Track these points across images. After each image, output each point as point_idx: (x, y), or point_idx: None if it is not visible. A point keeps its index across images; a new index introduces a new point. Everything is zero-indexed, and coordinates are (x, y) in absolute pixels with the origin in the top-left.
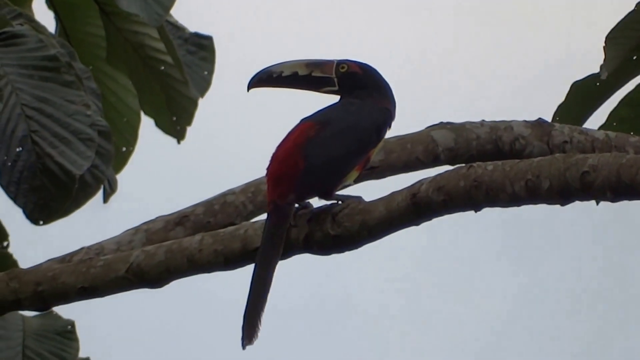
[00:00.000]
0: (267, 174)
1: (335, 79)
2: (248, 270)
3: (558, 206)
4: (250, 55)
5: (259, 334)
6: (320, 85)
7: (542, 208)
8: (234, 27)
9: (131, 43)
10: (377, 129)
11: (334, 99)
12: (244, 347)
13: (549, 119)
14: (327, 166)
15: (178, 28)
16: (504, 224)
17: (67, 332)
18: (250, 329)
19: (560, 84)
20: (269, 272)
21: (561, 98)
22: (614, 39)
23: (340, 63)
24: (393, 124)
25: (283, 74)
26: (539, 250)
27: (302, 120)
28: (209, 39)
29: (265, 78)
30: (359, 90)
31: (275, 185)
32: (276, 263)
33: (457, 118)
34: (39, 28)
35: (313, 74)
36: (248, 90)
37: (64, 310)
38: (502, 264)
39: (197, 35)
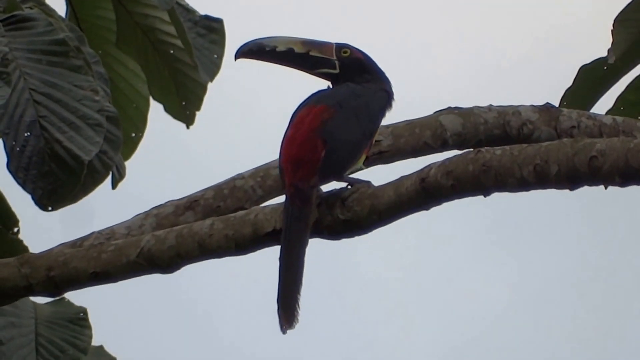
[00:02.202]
0: (284, 158)
1: (337, 62)
2: (258, 255)
3: (554, 193)
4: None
5: (299, 318)
6: (317, 66)
7: (537, 194)
8: (245, 9)
9: (141, 27)
10: (383, 111)
11: (320, 80)
12: (284, 332)
13: (556, 103)
14: (346, 148)
15: (188, 11)
16: (499, 212)
17: (79, 319)
18: (289, 314)
19: (569, 68)
20: (300, 256)
21: (569, 82)
22: (622, 21)
23: (342, 47)
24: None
25: (277, 49)
26: (535, 237)
27: (305, 104)
28: (219, 21)
29: (256, 50)
30: (359, 75)
31: (296, 168)
32: (306, 246)
33: (465, 103)
34: (48, 11)
35: (311, 53)
36: (235, 59)
37: (76, 297)
38: (498, 252)
39: (207, 17)
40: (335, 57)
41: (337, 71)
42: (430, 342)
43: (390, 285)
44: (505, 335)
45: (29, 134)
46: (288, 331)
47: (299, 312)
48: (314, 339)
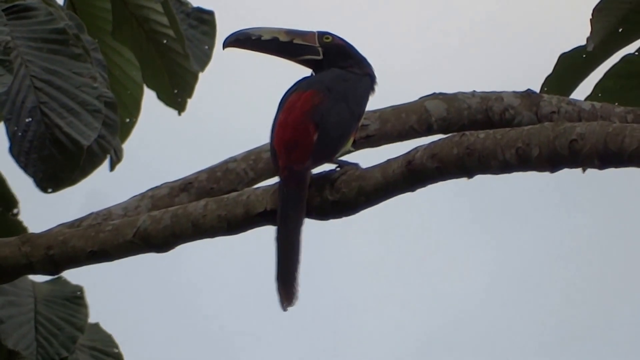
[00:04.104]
0: (277, 142)
1: (320, 49)
2: (250, 235)
3: (534, 175)
4: None
5: (298, 296)
6: (301, 53)
7: (518, 176)
8: (236, 2)
9: (136, 17)
10: (368, 94)
11: (303, 68)
12: (284, 309)
13: (537, 89)
14: (337, 130)
15: (181, 3)
16: (479, 193)
17: (76, 298)
18: (289, 291)
19: (549, 56)
20: (298, 235)
21: (549, 69)
22: (600, 11)
23: (324, 34)
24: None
25: (262, 38)
26: (515, 218)
27: (294, 89)
28: (210, 13)
29: (243, 39)
30: (342, 60)
31: (289, 151)
32: (302, 226)
33: (450, 89)
34: (48, 0)
35: (294, 42)
36: (223, 49)
37: (72, 276)
38: (479, 233)
39: (199, 10)
40: (318, 44)
41: (320, 57)
42: (411, 323)
43: (372, 266)
44: (486, 315)
45: (30, 119)
46: (288, 308)
47: (298, 289)
48: (299, 316)
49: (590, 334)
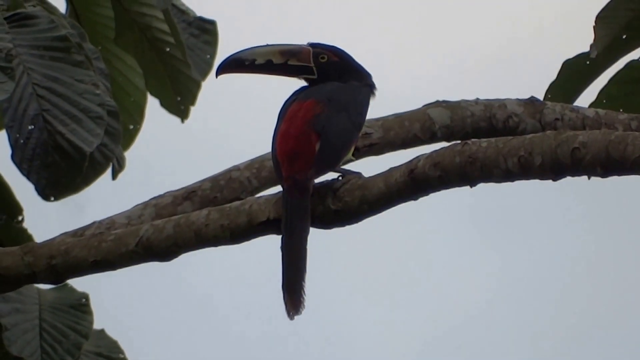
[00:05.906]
0: (279, 152)
1: (315, 68)
2: (256, 243)
3: (537, 184)
4: (251, 40)
5: (305, 304)
6: (296, 73)
7: (521, 185)
8: (237, 11)
9: (138, 25)
10: (368, 104)
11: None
12: (291, 317)
13: (540, 97)
14: (339, 140)
15: (183, 12)
16: (481, 203)
17: (81, 305)
18: (295, 300)
19: (552, 62)
20: (303, 244)
21: (553, 76)
22: (604, 18)
23: (320, 53)
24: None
25: (256, 62)
26: (518, 228)
27: (294, 99)
28: (212, 23)
29: (235, 65)
30: (338, 77)
31: (292, 161)
32: (308, 234)
33: (453, 96)
34: (50, 9)
35: (289, 63)
36: (217, 77)
37: (78, 283)
38: (481, 243)
39: (201, 19)
40: (312, 64)
41: (315, 77)
42: (412, 331)
43: (375, 274)
44: (486, 325)
45: (32, 126)
46: (295, 317)
47: (305, 297)
48: (305, 325)
49: (589, 340)
